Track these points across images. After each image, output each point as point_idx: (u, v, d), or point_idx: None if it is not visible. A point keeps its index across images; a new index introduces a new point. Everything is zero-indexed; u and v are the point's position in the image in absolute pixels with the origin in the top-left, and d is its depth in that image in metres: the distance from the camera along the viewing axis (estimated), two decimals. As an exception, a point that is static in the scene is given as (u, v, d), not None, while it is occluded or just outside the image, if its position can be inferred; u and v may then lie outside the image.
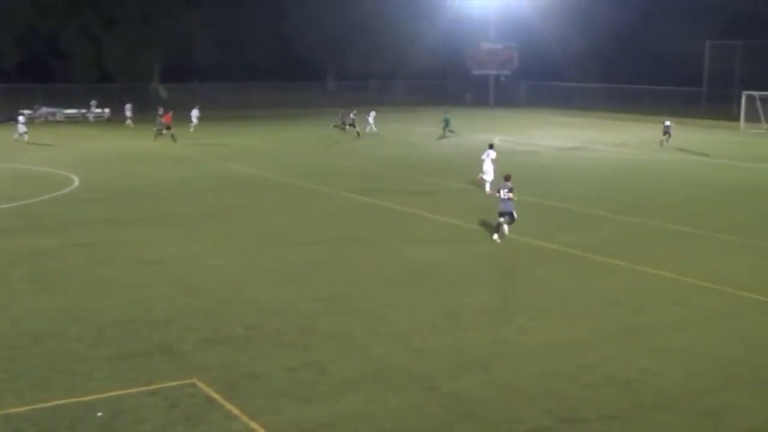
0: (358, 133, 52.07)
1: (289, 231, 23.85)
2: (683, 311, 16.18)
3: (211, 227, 24.41)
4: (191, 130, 50.75)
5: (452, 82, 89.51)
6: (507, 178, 22.56)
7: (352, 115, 53.59)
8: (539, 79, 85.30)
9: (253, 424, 11.09)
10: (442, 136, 51.40)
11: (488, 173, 30.24)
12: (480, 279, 18.65)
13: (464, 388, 12.29)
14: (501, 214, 22.34)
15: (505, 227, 22.44)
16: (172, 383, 12.42)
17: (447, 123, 52.64)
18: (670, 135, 46.87)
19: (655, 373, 12.92)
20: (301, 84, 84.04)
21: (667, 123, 47.66)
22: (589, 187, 32.29)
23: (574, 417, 11.34)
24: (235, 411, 11.48)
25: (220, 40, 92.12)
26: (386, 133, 53.22)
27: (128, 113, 60.91)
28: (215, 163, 39.61)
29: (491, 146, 31.52)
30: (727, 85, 66.99)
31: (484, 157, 30.88)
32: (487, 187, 29.91)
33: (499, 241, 22.15)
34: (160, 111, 52.35)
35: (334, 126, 53.87)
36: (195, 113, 53.69)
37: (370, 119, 55.34)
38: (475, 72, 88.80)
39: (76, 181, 33.19)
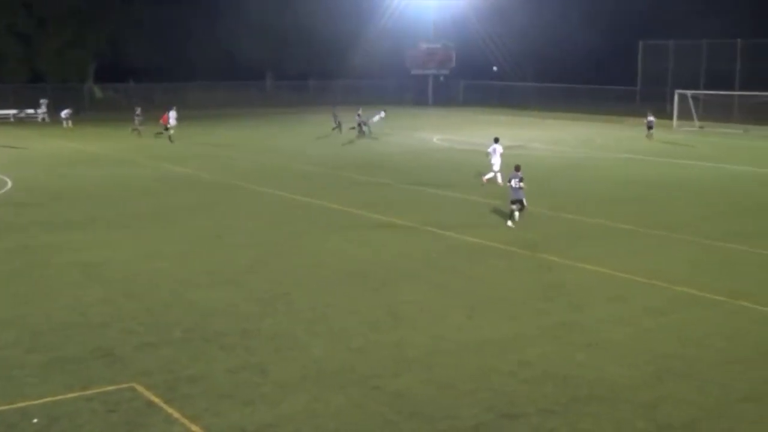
0: (364, 133, 51.97)
1: (227, 232, 23.70)
2: (619, 306, 16.48)
3: (149, 229, 24.15)
4: (171, 132, 50.19)
5: (392, 81, 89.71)
6: (517, 168, 24.23)
7: (358, 114, 53.37)
8: (477, 79, 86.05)
9: (194, 428, 11.01)
10: (361, 135, 51.47)
11: (496, 165, 31.82)
12: (419, 277, 18.76)
13: (406, 386, 12.37)
14: (513, 202, 24.11)
15: (516, 214, 24.08)
16: (111, 388, 12.27)
17: (380, 119, 52.72)
18: (653, 128, 50.91)
19: (592, 367, 13.15)
20: (238, 84, 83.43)
21: (650, 118, 51.10)
22: (527, 185, 32.58)
23: (514, 412, 11.50)
24: (176, 414, 11.38)
25: (155, 39, 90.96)
26: (324, 133, 53.13)
27: (65, 114, 59.91)
28: (153, 164, 39.16)
29: (497, 140, 32.59)
30: (660, 84, 68.35)
31: (490, 151, 32.22)
32: (489, 177, 31.74)
33: (513, 226, 23.75)
34: (138, 110, 52.81)
35: (334, 128, 53.49)
36: (173, 114, 53.10)
37: (376, 118, 54.68)
38: (414, 72, 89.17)
39: (9, 183, 32.55)
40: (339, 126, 53.39)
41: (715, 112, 61.29)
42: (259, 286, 18.00)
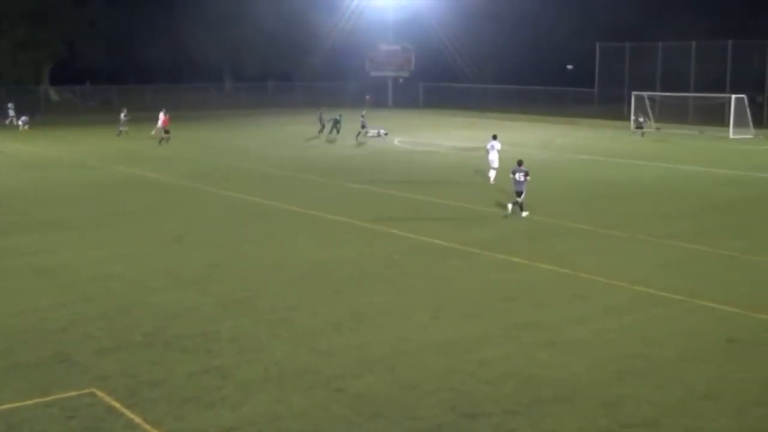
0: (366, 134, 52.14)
1: (186, 234, 23.50)
2: (580, 306, 16.59)
3: (107, 232, 23.86)
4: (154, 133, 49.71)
5: (351, 83, 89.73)
6: (520, 163, 26.17)
7: (337, 116, 53.16)
8: (436, 81, 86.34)
9: (155, 432, 10.90)
10: (332, 139, 51.39)
11: (494, 162, 32.83)
12: (381, 278, 18.74)
13: (368, 388, 12.34)
14: (517, 194, 25.92)
15: (510, 206, 25.90)
16: (70, 393, 12.08)
17: (337, 123, 52.66)
18: (643, 128, 55.51)
19: (554, 366, 13.23)
20: (197, 86, 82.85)
21: (641, 119, 56.40)
22: (487, 186, 32.80)
23: (476, 412, 11.52)
24: (137, 419, 11.24)
25: (112, 41, 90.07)
26: (285, 136, 52.95)
27: (23, 120, 59.07)
28: (110, 167, 38.74)
29: (495, 137, 33.57)
30: (617, 85, 69.09)
31: (489, 147, 33.28)
32: (492, 176, 32.80)
33: (525, 214, 25.66)
34: (124, 112, 52.49)
35: (320, 131, 53.44)
36: (161, 116, 52.62)
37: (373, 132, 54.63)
38: (374, 74, 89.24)
39: (-38, 187, 32.01)
40: (323, 128, 53.39)
41: (671, 114, 62.11)
42: (220, 288, 17.85)
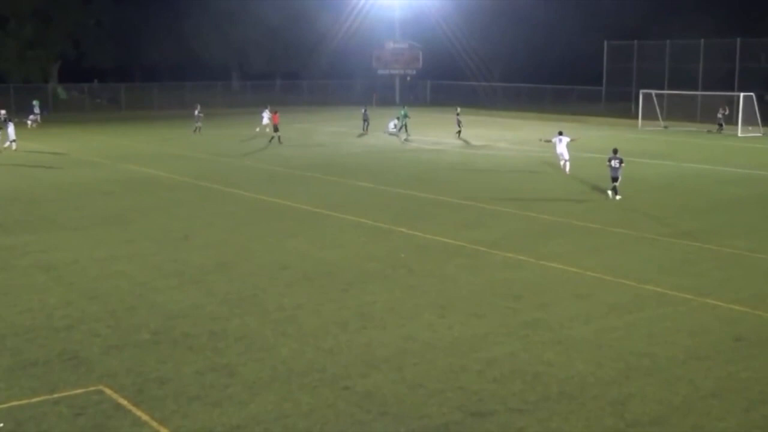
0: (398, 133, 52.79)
1: (193, 233, 23.54)
2: (586, 305, 16.58)
3: (113, 231, 23.92)
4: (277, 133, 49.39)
5: (358, 81, 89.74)
6: (615, 151, 29.06)
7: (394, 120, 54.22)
8: (443, 79, 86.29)
9: (163, 430, 10.91)
10: (405, 137, 51.75)
11: (564, 154, 35.48)
12: (387, 276, 18.75)
13: (376, 386, 12.35)
14: (613, 179, 28.71)
15: (611, 191, 28.78)
16: (77, 391, 12.13)
17: (404, 117, 53.01)
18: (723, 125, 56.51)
19: (560, 365, 13.22)
20: (204, 84, 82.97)
21: (723, 111, 57.66)
22: (494, 184, 32.81)
23: (483, 410, 11.52)
24: (144, 417, 11.27)
25: (120, 39, 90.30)
26: (293, 134, 53.03)
27: (30, 115, 59.27)
28: (116, 165, 38.82)
29: (561, 133, 36.23)
30: (625, 83, 68.94)
31: (555, 141, 35.69)
32: (567, 167, 35.50)
33: (612, 198, 28.55)
34: (198, 108, 53.20)
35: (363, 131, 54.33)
36: (266, 114, 52.86)
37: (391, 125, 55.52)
38: (381, 72, 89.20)
39: (-30, 186, 32.11)
40: (367, 126, 54.61)
41: (679, 112, 61.99)
42: (226, 287, 17.89)
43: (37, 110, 61.94)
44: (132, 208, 27.65)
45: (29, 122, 58.83)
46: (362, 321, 15.51)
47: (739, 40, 63.23)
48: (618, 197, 28.60)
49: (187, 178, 34.17)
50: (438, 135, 54.07)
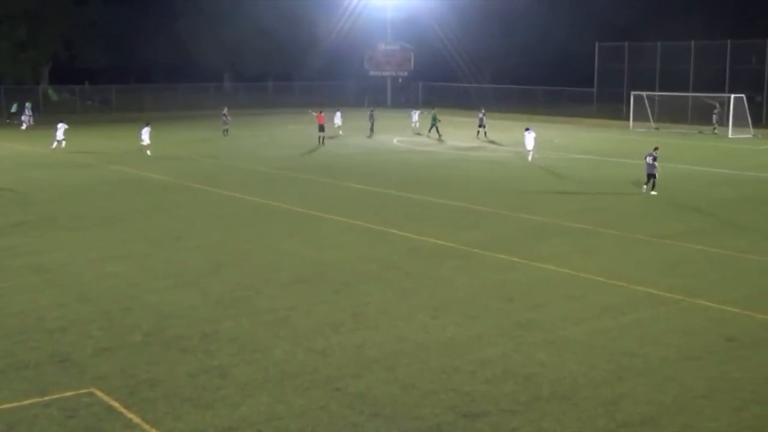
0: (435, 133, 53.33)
1: (185, 234, 23.51)
2: (578, 306, 16.61)
3: (106, 232, 23.87)
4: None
5: (350, 83, 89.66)
6: (655, 149, 31.10)
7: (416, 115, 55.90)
8: (435, 81, 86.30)
9: (155, 432, 10.91)
10: (437, 137, 52.12)
11: (529, 145, 40.54)
12: (380, 278, 18.75)
13: (368, 387, 12.36)
14: (648, 176, 30.58)
15: (645, 186, 30.57)
16: (69, 393, 12.10)
17: (434, 120, 53.45)
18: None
19: (553, 365, 13.25)
20: (197, 86, 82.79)
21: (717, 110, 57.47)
22: (487, 186, 32.85)
23: (476, 411, 11.54)
24: (136, 419, 11.26)
25: (111, 40, 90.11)
26: (283, 136, 52.97)
27: (24, 116, 59.19)
28: (109, 167, 38.73)
29: (528, 129, 41.70)
30: (616, 85, 69.05)
31: (524, 135, 41.17)
32: (529, 157, 40.42)
33: (648, 192, 30.29)
34: (225, 110, 53.01)
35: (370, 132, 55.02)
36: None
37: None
38: (372, 73, 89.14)
39: (-38, 187, 32.00)
40: (373, 127, 55.41)
41: (670, 113, 62.14)
42: (218, 288, 17.87)
43: (29, 112, 61.83)
44: (125, 209, 27.60)
45: (23, 124, 58.67)
46: (355, 322, 15.51)
47: (729, 41, 63.40)
48: (654, 192, 30.21)
49: (180, 180, 34.12)
50: (429, 137, 54.07)
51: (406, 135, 54.09)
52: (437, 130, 53.14)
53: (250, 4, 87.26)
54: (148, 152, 42.46)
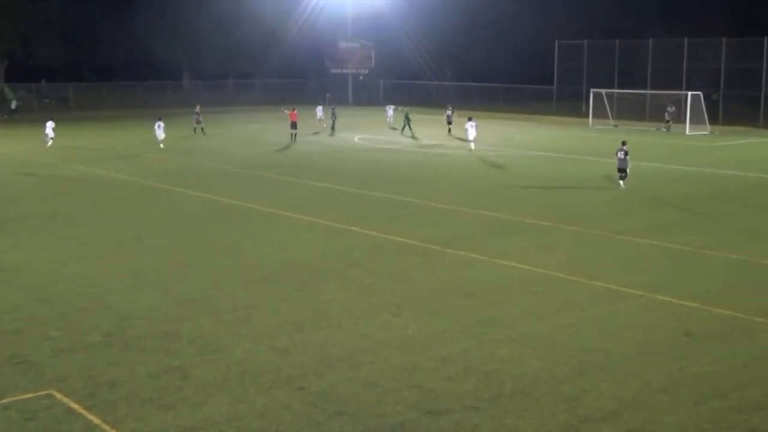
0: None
1: (145, 234, 23.30)
2: (539, 302, 16.73)
3: (63, 232, 23.58)
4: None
5: (311, 81, 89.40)
6: (624, 143, 31.78)
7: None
8: (396, 78, 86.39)
9: (115, 433, 10.80)
10: (410, 134, 52.32)
11: (470, 134, 43.61)
12: (341, 276, 18.73)
13: (331, 386, 12.33)
14: (620, 170, 31.40)
15: (622, 181, 31.22)
16: (27, 395, 11.93)
17: (407, 118, 53.72)
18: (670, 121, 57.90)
19: (514, 362, 13.32)
20: (155, 83, 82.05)
21: (670, 109, 58.42)
22: (447, 183, 32.95)
23: (438, 409, 11.56)
24: (96, 421, 11.13)
25: (68, 38, 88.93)
26: (246, 133, 52.72)
27: None
28: (67, 166, 38.25)
29: (470, 118, 44.62)
30: (575, 83, 69.63)
31: (467, 127, 43.87)
32: (472, 146, 43.63)
33: (623, 188, 30.89)
34: (197, 108, 52.83)
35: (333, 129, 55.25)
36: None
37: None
38: (333, 71, 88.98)
39: None
40: (334, 123, 55.57)
41: (629, 111, 62.79)
42: (179, 288, 17.73)
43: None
44: (84, 209, 27.29)
45: None
46: (317, 320, 15.47)
47: (686, 39, 64.23)
48: (622, 185, 31.12)
49: (140, 179, 33.80)
50: (389, 134, 54.15)
51: (367, 133, 54.07)
52: (410, 128, 53.26)
53: (209, 1, 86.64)
54: (161, 145, 44.83)
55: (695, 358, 13.61)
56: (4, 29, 78.83)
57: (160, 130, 45.40)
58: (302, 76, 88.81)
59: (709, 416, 11.42)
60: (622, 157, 31.19)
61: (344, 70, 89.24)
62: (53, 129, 46.19)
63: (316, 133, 51.91)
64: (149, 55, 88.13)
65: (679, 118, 57.88)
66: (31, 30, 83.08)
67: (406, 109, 55.30)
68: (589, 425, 11.12)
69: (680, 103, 59.01)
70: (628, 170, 31.33)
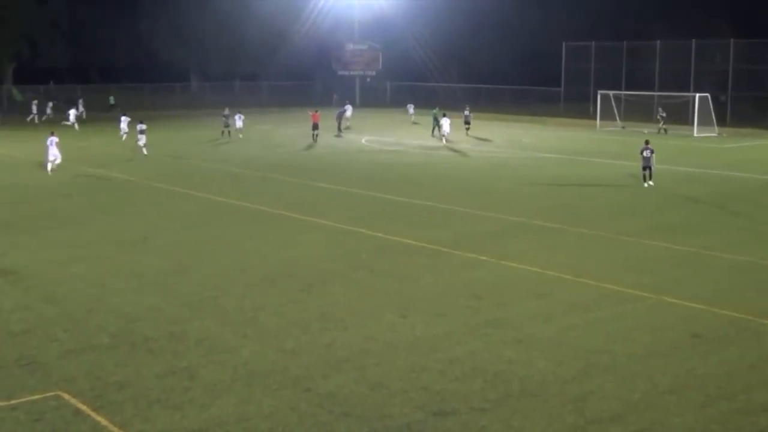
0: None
1: (152, 235, 23.33)
2: (546, 303, 16.70)
3: (70, 233, 23.63)
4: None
5: (318, 83, 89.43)
6: (647, 142, 32.51)
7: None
8: (403, 80, 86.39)
9: (122, 434, 10.82)
10: (439, 135, 51.43)
11: (445, 128, 48.33)
12: (348, 277, 18.74)
13: (337, 387, 12.34)
14: (644, 168, 31.94)
15: (647, 176, 31.89)
16: (35, 396, 11.96)
17: (436, 119, 52.61)
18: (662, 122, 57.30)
19: (521, 363, 13.31)
20: (163, 85, 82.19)
21: (662, 113, 57.87)
22: (454, 185, 32.92)
23: (445, 410, 11.56)
24: (104, 422, 11.15)
25: (76, 40, 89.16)
26: (252, 135, 52.78)
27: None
28: (72, 167, 38.28)
29: (444, 114, 49.48)
30: (583, 84, 69.51)
31: (443, 122, 48.55)
32: (444, 140, 48.18)
33: (648, 186, 31.57)
34: (226, 111, 53.10)
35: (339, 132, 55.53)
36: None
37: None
38: (340, 73, 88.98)
39: None
40: (340, 126, 55.91)
41: (636, 112, 62.64)
42: (185, 289, 17.76)
43: (34, 109, 63.60)
44: (89, 210, 27.34)
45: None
46: (324, 322, 15.48)
47: (694, 41, 64.07)
48: (648, 184, 31.63)
49: (146, 181, 33.85)
50: (397, 136, 54.16)
51: (375, 134, 54.05)
52: (440, 129, 52.24)
53: (216, 3, 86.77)
54: (240, 135, 49.30)
55: (702, 359, 13.58)
56: (11, 31, 79.06)
57: (240, 121, 51.63)
58: (309, 78, 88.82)
59: (716, 418, 11.40)
60: (648, 155, 31.71)
61: (351, 72, 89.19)
62: (127, 123, 48.55)
63: (348, 128, 56.45)
64: (157, 57, 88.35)
65: (670, 121, 57.57)
66: (38, 32, 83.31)
67: (435, 110, 54.43)
68: (596, 426, 11.10)
69: (688, 105, 58.78)
70: (652, 168, 31.79)
